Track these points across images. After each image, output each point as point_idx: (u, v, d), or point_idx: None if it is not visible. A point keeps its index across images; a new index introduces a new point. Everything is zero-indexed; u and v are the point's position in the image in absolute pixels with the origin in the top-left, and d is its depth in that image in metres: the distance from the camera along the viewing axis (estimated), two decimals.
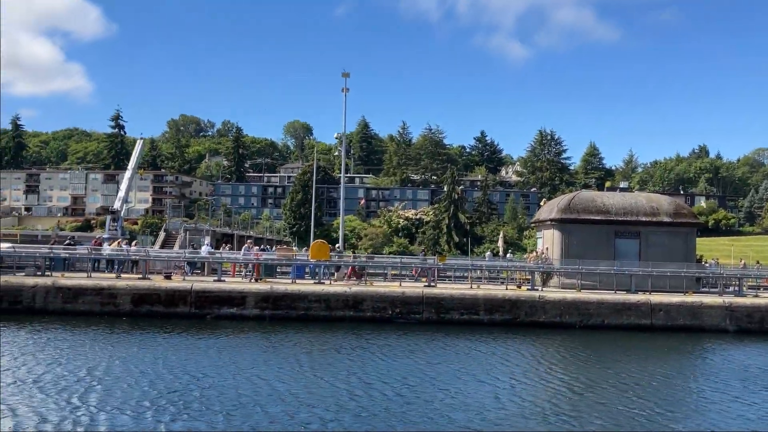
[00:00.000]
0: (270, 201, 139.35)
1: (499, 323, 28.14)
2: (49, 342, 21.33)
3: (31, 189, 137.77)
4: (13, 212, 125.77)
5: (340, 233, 39.83)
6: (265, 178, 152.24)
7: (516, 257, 57.40)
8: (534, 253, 38.64)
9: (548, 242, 36.54)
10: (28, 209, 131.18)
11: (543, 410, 14.28)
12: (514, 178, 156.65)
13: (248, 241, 43.85)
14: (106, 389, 14.74)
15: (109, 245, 38.87)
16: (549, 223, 36.51)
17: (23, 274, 30.56)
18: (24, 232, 65.72)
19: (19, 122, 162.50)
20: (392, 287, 30.56)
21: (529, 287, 31.94)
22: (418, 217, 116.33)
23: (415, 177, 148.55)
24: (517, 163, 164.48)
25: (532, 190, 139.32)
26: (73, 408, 13.16)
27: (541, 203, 46.25)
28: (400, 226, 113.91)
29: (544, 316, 28.66)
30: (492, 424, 13.05)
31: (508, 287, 32.36)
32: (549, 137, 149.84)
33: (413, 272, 38.32)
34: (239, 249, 41.81)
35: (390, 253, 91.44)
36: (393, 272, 36.55)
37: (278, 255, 35.71)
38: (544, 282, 33.65)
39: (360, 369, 18.22)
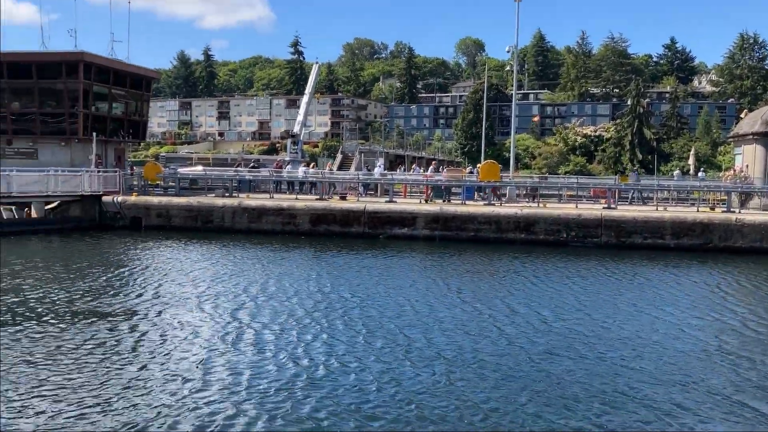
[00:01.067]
0: (441, 121, 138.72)
1: (688, 248, 25.83)
2: (235, 256, 22.92)
3: (223, 115, 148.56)
4: (209, 137, 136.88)
5: (511, 152, 38.41)
6: (437, 99, 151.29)
7: (709, 176, 52.32)
8: (731, 172, 34.77)
9: (749, 159, 32.57)
10: (220, 134, 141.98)
11: (730, 358, 12.75)
12: (708, 88, 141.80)
13: (415, 162, 43.87)
14: (270, 301, 15.44)
15: (305, 167, 40.46)
16: (751, 137, 32.42)
17: (213, 195, 33.00)
18: (216, 156, 71.31)
19: (210, 53, 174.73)
20: (567, 209, 29.09)
21: (725, 209, 28.87)
22: (597, 133, 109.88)
23: (595, 91, 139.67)
24: (712, 71, 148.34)
25: (730, 101, 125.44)
26: (235, 319, 13.93)
27: (742, 115, 41.22)
28: (577, 143, 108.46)
29: (741, 241, 25.83)
30: (651, 373, 11.87)
31: (700, 209, 29.51)
32: (751, 41, 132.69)
33: (591, 193, 36.23)
34: (421, 170, 42.02)
35: (566, 173, 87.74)
36: (569, 193, 34.82)
37: (448, 176, 35.31)
38: (742, 203, 30.28)
39: (522, 294, 17.51)
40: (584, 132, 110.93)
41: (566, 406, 9.45)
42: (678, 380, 10.71)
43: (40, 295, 16.07)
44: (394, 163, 66.00)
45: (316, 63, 72.78)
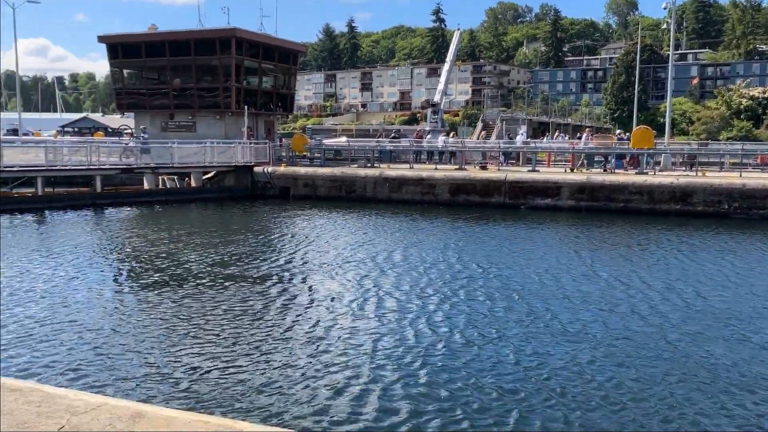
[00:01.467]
0: (589, 86, 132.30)
1: None
2: (375, 225, 23.31)
3: (366, 86, 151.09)
4: (352, 109, 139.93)
5: (667, 117, 35.79)
6: (585, 62, 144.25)
7: None
8: None
9: None
10: (363, 105, 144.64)
11: None
12: None
13: (559, 129, 42.13)
14: (407, 270, 15.47)
15: (445, 137, 40.33)
16: None
17: (356, 165, 33.68)
18: (359, 127, 72.76)
19: (354, 25, 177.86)
20: (730, 178, 26.73)
21: None
22: (766, 95, 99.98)
23: (764, 48, 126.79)
24: None
25: None
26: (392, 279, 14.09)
27: None
28: (742, 107, 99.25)
29: None
30: None
31: None
32: None
33: (758, 160, 33.06)
34: (577, 138, 40.47)
35: (728, 139, 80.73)
36: (731, 161, 31.98)
37: (596, 143, 33.61)
38: None
39: (675, 270, 16.30)
40: (750, 94, 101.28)
41: (708, 391, 8.69)
42: None
43: (195, 258, 17.22)
44: (537, 130, 63.95)
45: (458, 30, 71.64)
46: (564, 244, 20.14)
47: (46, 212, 26.06)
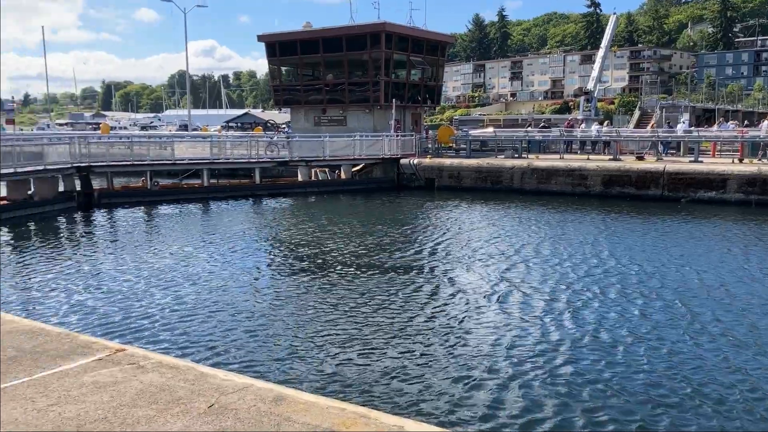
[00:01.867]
0: (764, 69, 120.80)
1: None
2: (521, 217, 22.79)
3: (515, 76, 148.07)
4: (501, 99, 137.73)
5: None
6: (758, 42, 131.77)
7: None
8: None
9: None
10: (512, 95, 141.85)
11: None
12: None
13: (722, 117, 38.74)
14: (551, 264, 14.93)
15: (598, 125, 38.64)
16: None
17: (503, 156, 33.14)
18: (507, 117, 71.41)
19: (504, 13, 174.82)
20: None
21: None
22: None
23: None
24: None
25: None
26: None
27: None
28: None
29: None
30: None
31: None
32: None
33: None
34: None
35: None
36: None
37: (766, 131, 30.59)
38: None
39: None
40: None
41: None
42: None
43: (341, 247, 17.78)
44: (701, 118, 59.41)
45: (614, 14, 68.14)
46: (729, 241, 18.57)
47: (210, 202, 28.10)
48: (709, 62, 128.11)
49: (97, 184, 28.47)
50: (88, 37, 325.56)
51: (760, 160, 28.02)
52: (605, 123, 43.70)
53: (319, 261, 16.25)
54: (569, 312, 11.75)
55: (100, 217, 24.55)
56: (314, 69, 42.84)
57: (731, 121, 41.43)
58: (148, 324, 11.12)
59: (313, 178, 33.40)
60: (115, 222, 23.44)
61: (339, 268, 15.41)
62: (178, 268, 15.51)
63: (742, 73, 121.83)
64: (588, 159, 30.56)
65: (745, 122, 44.65)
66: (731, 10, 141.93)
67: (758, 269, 15.04)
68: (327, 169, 34.21)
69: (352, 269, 15.25)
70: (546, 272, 14.82)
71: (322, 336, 10.52)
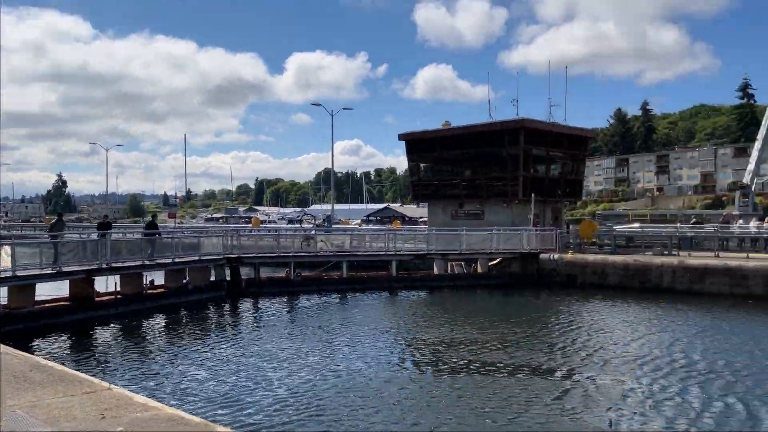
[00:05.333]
0: None
1: None
2: (670, 320, 21.12)
3: (662, 169, 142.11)
4: (646, 193, 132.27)
5: None
6: None
7: None
8: None
9: None
10: (659, 189, 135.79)
11: None
12: None
13: None
14: (700, 375, 13.48)
15: (758, 221, 36.22)
16: None
17: (651, 253, 31.37)
18: (654, 212, 68.21)
19: (648, 107, 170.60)
20: None
21: None
22: None
23: None
24: None
25: None
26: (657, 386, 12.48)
27: None
28: None
29: None
30: None
31: None
32: None
33: None
34: None
35: None
36: None
37: None
38: None
39: None
40: None
41: None
42: None
43: (475, 344, 17.26)
44: None
45: None
46: None
47: (348, 293, 28.64)
48: None
49: (244, 273, 30.06)
50: (247, 138, 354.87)
51: None
52: (766, 219, 40.44)
53: (450, 357, 15.87)
54: None
55: (246, 305, 25.72)
56: (452, 165, 43.59)
57: None
58: (284, 416, 11.22)
59: (448, 271, 33.26)
60: (259, 310, 24.43)
61: (472, 365, 14.94)
62: (315, 360, 15.73)
63: None
64: (747, 257, 28.19)
65: None
66: None
67: None
68: (463, 263, 33.99)
69: (487, 368, 14.73)
70: (700, 384, 13.48)
71: None
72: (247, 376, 13.96)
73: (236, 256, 28.63)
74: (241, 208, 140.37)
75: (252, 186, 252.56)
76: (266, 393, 12.58)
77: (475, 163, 41.56)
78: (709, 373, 14.14)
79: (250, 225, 58.02)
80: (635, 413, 11.40)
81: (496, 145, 39.41)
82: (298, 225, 41.59)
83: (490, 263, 33.41)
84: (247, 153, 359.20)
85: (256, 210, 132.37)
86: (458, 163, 42.43)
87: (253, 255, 29.55)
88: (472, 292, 29.91)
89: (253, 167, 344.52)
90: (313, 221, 41.22)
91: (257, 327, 20.61)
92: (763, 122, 62.06)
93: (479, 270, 33.14)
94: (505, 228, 34.66)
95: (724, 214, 46.72)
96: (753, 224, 34.48)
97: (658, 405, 11.88)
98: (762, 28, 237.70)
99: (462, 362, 15.36)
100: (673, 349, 16.75)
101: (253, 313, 24.05)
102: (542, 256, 32.60)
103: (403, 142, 44.73)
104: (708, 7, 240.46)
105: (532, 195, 36.47)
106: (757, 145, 58.42)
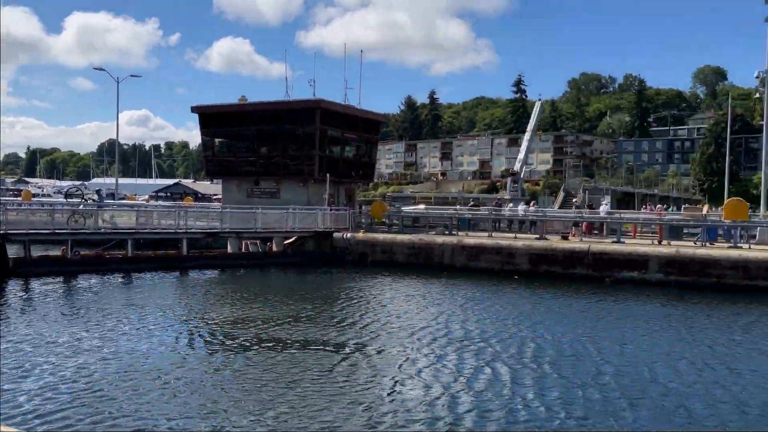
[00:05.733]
0: (677, 156, 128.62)
1: None
2: (450, 294, 22.87)
3: (446, 156, 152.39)
4: (432, 177, 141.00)
5: (762, 189, 34.12)
6: (671, 132, 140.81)
7: None
8: None
9: None
10: (443, 174, 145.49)
11: None
12: None
13: (647, 200, 40.80)
14: (477, 342, 14.95)
15: (525, 205, 40.13)
16: None
17: (434, 233, 33.55)
18: (438, 195, 73.02)
19: (435, 96, 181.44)
20: None
21: None
22: None
23: None
24: None
25: None
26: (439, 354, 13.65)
27: None
28: None
29: None
30: None
31: None
32: None
33: None
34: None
35: None
36: None
37: (685, 215, 32.28)
38: None
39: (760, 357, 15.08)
40: None
41: None
42: None
43: (267, 322, 17.30)
44: (621, 201, 62.24)
45: (539, 100, 71.91)
46: (647, 322, 19.06)
47: (133, 273, 27.02)
48: (627, 148, 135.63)
49: (13, 252, 27.06)
50: (18, 102, 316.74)
51: (666, 241, 29.30)
52: (531, 203, 45.16)
53: (244, 336, 15.73)
54: (494, 391, 11.66)
55: (14, 287, 23.18)
56: (248, 141, 42.86)
57: (650, 205, 43.57)
58: (49, 404, 10.35)
59: (243, 250, 32.81)
60: (30, 292, 22.17)
61: (266, 343, 14.94)
62: (92, 342, 14.67)
63: (657, 160, 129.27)
64: (516, 237, 31.29)
65: (665, 206, 46.98)
66: (646, 101, 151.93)
67: (675, 350, 15.44)
68: (258, 242, 33.72)
69: (280, 345, 14.81)
70: (473, 350, 14.76)
71: (243, 414, 10.02)
72: (14, 363, 12.62)
73: (2, 232, 25.61)
74: (9, 180, 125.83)
75: (22, 155, 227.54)
76: (36, 380, 11.49)
77: (272, 141, 41.24)
78: (478, 341, 15.50)
79: (19, 198, 52.25)
80: (417, 380, 12.16)
81: (293, 123, 39.45)
82: (77, 200, 38.26)
83: (285, 242, 33.50)
84: (17, 118, 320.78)
85: (27, 182, 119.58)
86: (254, 140, 41.78)
87: (23, 231, 26.61)
88: (266, 271, 29.81)
89: (25, 134, 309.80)
90: (94, 196, 38.19)
91: (27, 310, 18.69)
92: (532, 116, 69.14)
93: (274, 249, 33.10)
94: (301, 207, 34.93)
95: (498, 198, 51.34)
96: (521, 208, 38.33)
97: (438, 371, 12.79)
98: (536, 28, 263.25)
99: (254, 340, 15.28)
100: (449, 320, 18.13)
101: (23, 295, 21.75)
102: (336, 235, 33.41)
103: (196, 116, 43.05)
104: (491, 5, 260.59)
105: (328, 175, 37.11)
106: (527, 136, 64.94)
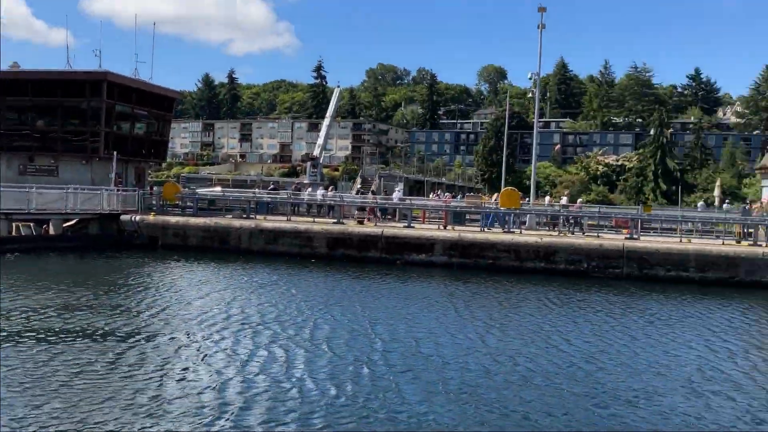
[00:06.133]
0: (462, 148, 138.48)
1: (713, 282, 25.09)
2: (248, 278, 22.63)
3: (245, 137, 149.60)
4: (230, 159, 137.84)
5: (532, 180, 37.99)
6: (459, 125, 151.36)
7: (735, 208, 51.29)
8: (758, 204, 34.00)
9: None
10: (242, 156, 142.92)
11: (753, 395, 12.16)
12: (733, 119, 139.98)
13: (435, 188, 43.56)
14: (274, 325, 15.09)
15: (323, 190, 40.64)
16: None
17: (231, 216, 32.89)
18: (236, 178, 71.59)
19: (234, 76, 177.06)
20: (589, 239, 28.52)
21: (751, 242, 28.12)
22: (619, 163, 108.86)
23: (618, 120, 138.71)
24: (738, 102, 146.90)
25: (755, 132, 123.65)
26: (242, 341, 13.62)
27: None
28: (599, 173, 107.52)
29: None
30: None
31: (725, 242, 28.78)
32: None
33: (613, 223, 35.59)
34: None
35: (587, 201, 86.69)
36: (590, 223, 34.19)
37: (467, 203, 34.93)
38: None
39: (535, 325, 17.00)
40: (606, 161, 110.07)
41: None
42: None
43: (44, 313, 15.86)
44: (413, 188, 65.76)
45: (338, 87, 73.32)
46: (433, 300, 20.41)
47: None
48: (420, 138, 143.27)
49: None
50: None
51: (452, 227, 31.59)
52: (330, 188, 46.05)
53: (14, 329, 14.24)
54: (286, 371, 11.81)
55: None
56: (21, 113, 38.52)
57: (439, 191, 46.51)
58: None
59: (14, 233, 29.58)
60: None
61: (43, 334, 13.66)
62: None
63: (446, 150, 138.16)
64: (314, 222, 31.72)
65: (453, 194, 50.37)
66: (437, 95, 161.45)
67: (452, 326, 16.75)
68: (32, 224, 30.63)
69: (60, 336, 13.63)
70: (267, 333, 14.79)
71: (38, 410, 9.12)
72: None
73: None
74: None
75: None
76: None
77: (51, 114, 37.43)
78: (271, 325, 15.55)
79: None
80: (207, 367, 11.89)
81: (75, 95, 36.17)
82: None
83: (65, 224, 30.80)
84: None
85: None
86: (29, 112, 37.65)
87: None
88: (43, 256, 27.20)
89: None
90: None
91: None
92: (331, 103, 70.32)
93: (51, 232, 30.28)
94: (84, 187, 32.25)
95: (297, 182, 51.63)
96: (320, 192, 38.91)
97: (229, 356, 12.61)
98: (337, 15, 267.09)
99: (25, 332, 13.87)
100: (243, 305, 17.94)
101: None
102: (123, 217, 31.43)
103: None
104: None
105: (115, 153, 34.64)
106: (326, 122, 65.96)
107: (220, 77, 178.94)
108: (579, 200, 46.07)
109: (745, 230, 30.43)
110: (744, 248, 26.68)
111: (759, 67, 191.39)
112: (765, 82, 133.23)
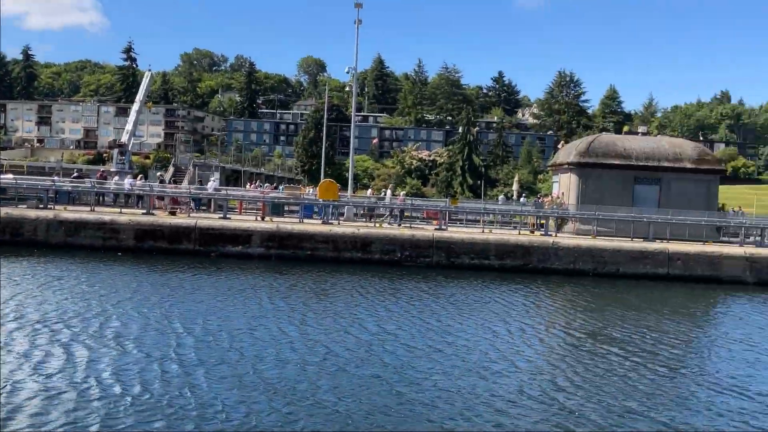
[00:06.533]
0: (282, 138, 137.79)
1: (511, 269, 27.37)
2: (44, 273, 20.80)
3: (44, 120, 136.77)
4: (26, 144, 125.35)
5: (350, 173, 38.83)
6: (278, 115, 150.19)
7: (530, 201, 56.27)
8: (549, 198, 37.58)
9: (564, 187, 35.41)
10: (40, 141, 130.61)
11: (538, 369, 13.55)
12: (531, 120, 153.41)
13: (253, 178, 43.01)
14: (72, 323, 14.15)
15: (132, 179, 38.23)
16: (566, 166, 35.28)
17: (25, 206, 29.97)
18: (33, 164, 65.20)
19: (30, 53, 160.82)
20: (403, 230, 29.76)
21: (543, 233, 31.03)
22: (431, 158, 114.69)
23: (430, 117, 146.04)
24: (535, 105, 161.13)
25: (549, 133, 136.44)
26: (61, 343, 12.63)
27: (559, 146, 44.94)
28: (413, 167, 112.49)
29: (557, 263, 27.81)
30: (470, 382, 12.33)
31: (521, 232, 31.48)
32: (568, 79, 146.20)
33: (424, 215, 37.46)
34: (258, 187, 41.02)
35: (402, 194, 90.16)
36: (406, 215, 35.70)
37: (286, 194, 34.87)
38: (558, 228, 32.72)
39: (352, 313, 17.54)
40: (420, 156, 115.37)
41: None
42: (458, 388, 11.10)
43: None
44: (230, 178, 64.27)
45: (149, 71, 69.47)
46: (248, 292, 20.18)
47: None
48: (237, 127, 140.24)
49: None
50: None
51: (269, 218, 31.44)
52: (139, 177, 43.58)
53: None
54: (95, 368, 11.10)
55: None
56: None
57: (258, 181, 45.84)
58: None
59: None
60: None
61: None
62: None
63: (265, 140, 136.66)
64: (121, 212, 29.86)
65: (275, 185, 49.91)
66: (255, 83, 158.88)
67: (265, 317, 16.72)
68: None
69: None
70: (65, 331, 13.75)
71: None
72: None
73: None
74: None
75: None
76: None
77: None
78: (56, 323, 14.46)
79: None
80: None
81: None
82: None
83: None
84: None
85: None
86: None
87: None
88: None
89: None
90: None
91: None
92: (141, 87, 66.47)
93: None
94: None
95: (103, 170, 48.23)
96: (128, 181, 36.65)
97: (25, 357, 11.56)
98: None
99: None
100: (41, 301, 16.48)
101: None
102: None
103: None
104: None
105: None
106: (135, 107, 62.31)
107: (13, 54, 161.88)
108: (402, 193, 48.02)
109: (538, 222, 33.54)
110: (537, 238, 29.36)
111: (553, 73, 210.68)
112: (558, 87, 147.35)
